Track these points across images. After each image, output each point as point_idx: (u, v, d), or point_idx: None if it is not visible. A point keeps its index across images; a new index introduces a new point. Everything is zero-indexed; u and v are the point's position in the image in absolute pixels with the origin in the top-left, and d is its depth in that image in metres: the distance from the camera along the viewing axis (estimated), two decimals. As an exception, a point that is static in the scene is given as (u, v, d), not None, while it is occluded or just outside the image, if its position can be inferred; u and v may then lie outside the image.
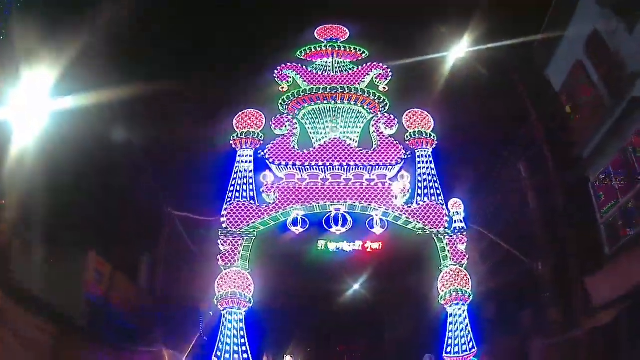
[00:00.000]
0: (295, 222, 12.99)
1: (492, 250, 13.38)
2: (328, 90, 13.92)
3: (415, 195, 13.21)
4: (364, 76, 14.15)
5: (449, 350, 12.93)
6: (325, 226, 12.93)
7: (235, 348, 12.62)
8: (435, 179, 13.37)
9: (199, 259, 13.63)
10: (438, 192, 13.31)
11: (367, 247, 12.89)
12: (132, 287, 13.28)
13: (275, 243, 13.12)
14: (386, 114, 13.72)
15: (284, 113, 13.89)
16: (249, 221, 13.05)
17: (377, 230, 12.95)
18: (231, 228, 13.07)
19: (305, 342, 20.23)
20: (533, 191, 12.49)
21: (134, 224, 12.82)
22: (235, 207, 13.19)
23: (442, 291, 13.03)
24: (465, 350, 12.75)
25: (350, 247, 12.89)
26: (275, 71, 14.25)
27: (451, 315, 13.05)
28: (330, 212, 12.99)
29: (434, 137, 13.59)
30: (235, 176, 13.48)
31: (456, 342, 12.88)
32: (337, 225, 12.88)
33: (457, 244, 13.18)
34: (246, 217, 13.10)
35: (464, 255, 13.16)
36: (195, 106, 13.91)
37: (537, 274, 12.49)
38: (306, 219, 13.00)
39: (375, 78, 14.11)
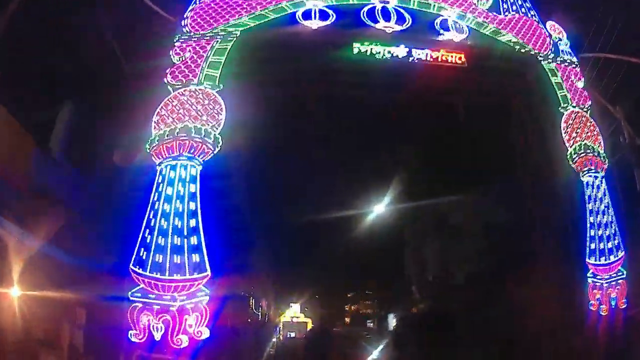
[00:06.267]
0: (310, 14, 7.21)
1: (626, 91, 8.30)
2: None
3: (501, 5, 8.34)
4: None
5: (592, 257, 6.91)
6: (364, 19, 7.27)
7: (179, 224, 5.46)
8: (520, -13, 8.78)
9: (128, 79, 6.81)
10: (528, 6, 8.61)
11: (444, 57, 7.26)
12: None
13: (275, 49, 6.99)
14: None
15: None
16: (231, 17, 7.04)
17: (453, 35, 7.54)
18: (198, 30, 6.91)
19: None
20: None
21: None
22: (209, 3, 7.22)
23: (570, 145, 7.49)
24: (612, 252, 6.86)
25: (417, 53, 7.15)
26: None
27: (587, 187, 7.33)
28: (374, 4, 7.49)
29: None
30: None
31: (601, 244, 6.98)
32: (386, 20, 7.31)
33: (573, 78, 8.13)
34: (226, 13, 7.11)
35: (587, 97, 8.03)
36: None
37: None
38: (330, 12, 7.30)
39: None
